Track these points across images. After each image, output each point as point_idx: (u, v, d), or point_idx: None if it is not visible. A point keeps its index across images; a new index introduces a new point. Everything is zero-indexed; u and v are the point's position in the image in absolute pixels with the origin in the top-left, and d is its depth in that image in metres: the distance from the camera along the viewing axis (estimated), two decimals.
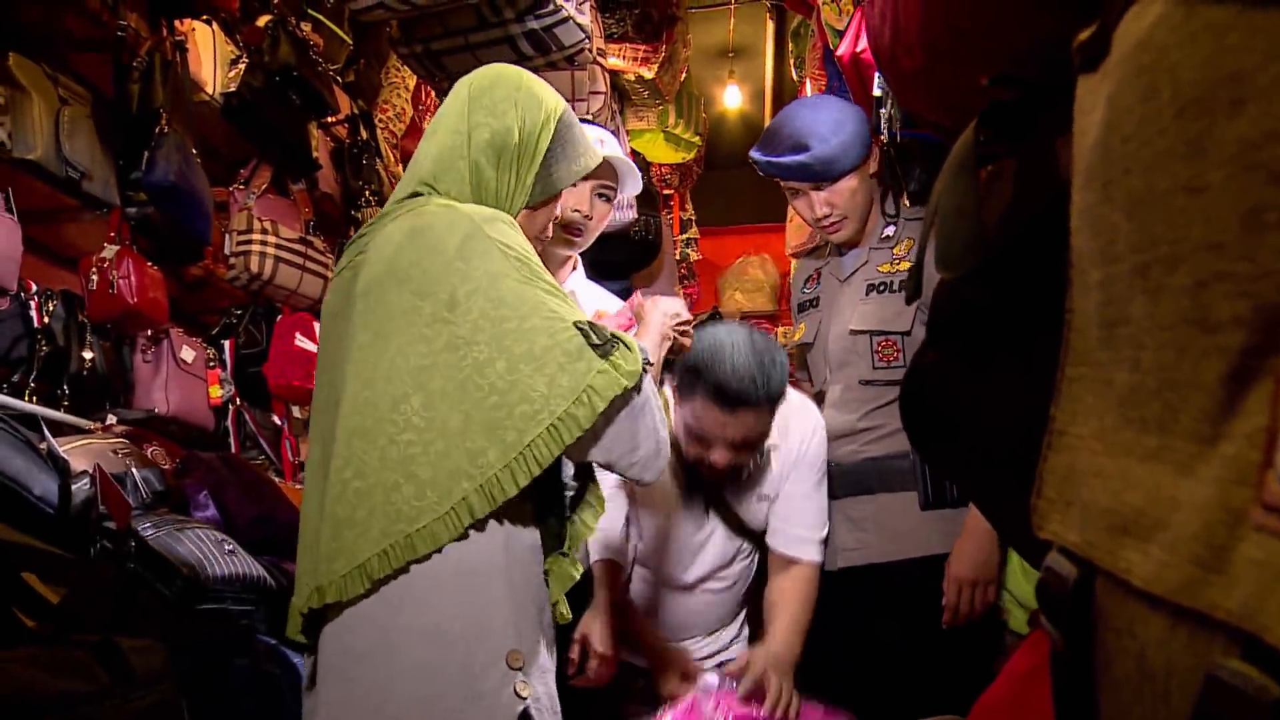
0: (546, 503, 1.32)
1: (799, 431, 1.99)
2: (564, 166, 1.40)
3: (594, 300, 2.02)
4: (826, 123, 1.96)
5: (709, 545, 2.02)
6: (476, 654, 1.19)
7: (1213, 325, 0.37)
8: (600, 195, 1.90)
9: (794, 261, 4.59)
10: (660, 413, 1.27)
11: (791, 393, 2.03)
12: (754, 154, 2.05)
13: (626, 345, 1.23)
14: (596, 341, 1.20)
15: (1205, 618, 0.35)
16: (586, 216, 1.87)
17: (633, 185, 1.97)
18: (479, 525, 1.21)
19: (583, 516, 1.38)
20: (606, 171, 1.85)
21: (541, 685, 1.24)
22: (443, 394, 1.21)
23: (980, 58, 0.87)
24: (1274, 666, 0.31)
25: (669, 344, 1.48)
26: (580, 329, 1.21)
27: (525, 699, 1.19)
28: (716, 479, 1.92)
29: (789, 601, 1.92)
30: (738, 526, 2.00)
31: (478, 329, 1.21)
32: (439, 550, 1.19)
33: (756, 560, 2.07)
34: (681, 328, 1.51)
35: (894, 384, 1.91)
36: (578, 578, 1.32)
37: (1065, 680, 0.48)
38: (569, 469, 1.38)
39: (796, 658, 1.85)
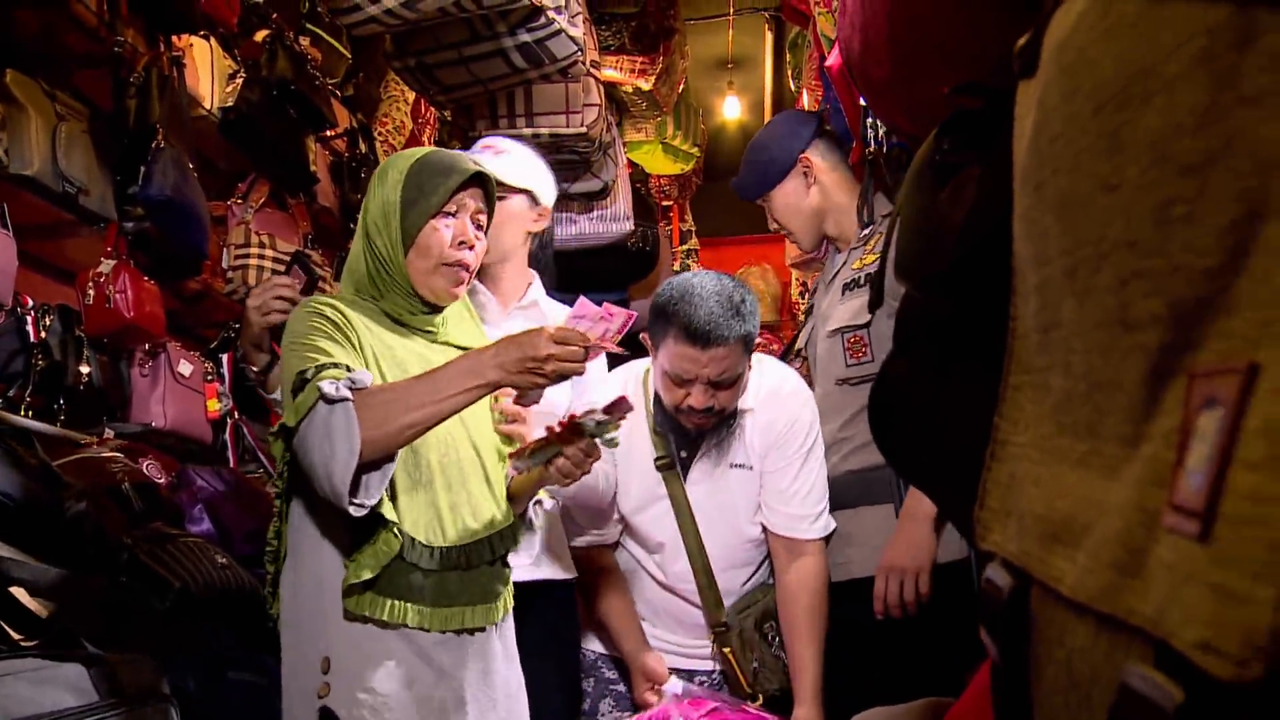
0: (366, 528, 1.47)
1: (785, 406, 2.00)
2: (418, 206, 1.57)
3: (553, 319, 2.05)
4: (755, 144, 2.16)
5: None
6: (303, 660, 1.49)
7: (1132, 324, 0.37)
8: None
9: (794, 272, 4.59)
10: (338, 436, 1.36)
11: (787, 373, 2.08)
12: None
13: (310, 383, 1.40)
14: (297, 385, 1.41)
15: (1124, 624, 0.34)
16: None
17: (547, 196, 2.04)
18: (300, 554, 1.51)
19: (389, 522, 1.47)
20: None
21: (357, 683, 1.46)
22: None
23: (947, 67, 0.87)
24: (1182, 672, 0.30)
25: (516, 378, 1.43)
26: (297, 376, 1.42)
27: (323, 699, 1.45)
28: (699, 427, 1.94)
29: (801, 614, 1.92)
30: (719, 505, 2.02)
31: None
32: (281, 577, 1.53)
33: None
34: (535, 370, 1.41)
35: (866, 382, 1.91)
36: (366, 571, 1.45)
37: (1003, 695, 0.47)
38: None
39: (820, 690, 1.89)
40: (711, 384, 1.85)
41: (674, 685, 1.92)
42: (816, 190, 2.08)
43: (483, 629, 1.56)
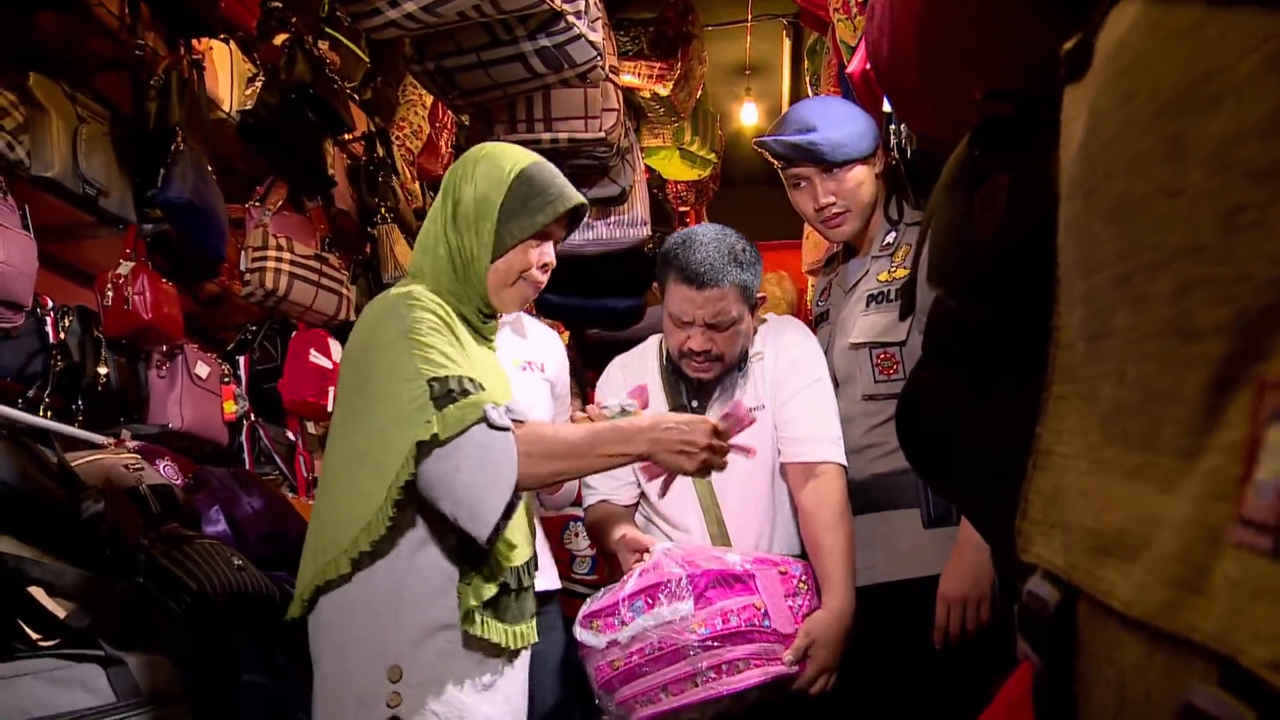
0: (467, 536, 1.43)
1: (789, 339, 2.03)
2: (519, 221, 1.53)
3: (534, 335, 2.13)
4: (837, 112, 2.04)
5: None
6: (362, 667, 1.43)
7: (1194, 333, 0.36)
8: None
9: (810, 279, 4.58)
10: (500, 468, 1.34)
11: (799, 325, 2.12)
12: (763, 137, 2.08)
13: (467, 399, 1.36)
14: (439, 394, 1.36)
15: (1184, 641, 0.34)
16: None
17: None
18: (375, 558, 1.44)
19: (498, 546, 1.48)
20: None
21: (431, 695, 1.43)
22: (341, 446, 1.48)
23: (976, 74, 0.86)
24: (1251, 692, 0.29)
25: (657, 453, 1.44)
26: (433, 383, 1.36)
27: (394, 709, 1.41)
28: (701, 376, 1.96)
29: (821, 530, 1.87)
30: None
31: (371, 397, 1.43)
32: (346, 579, 1.44)
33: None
34: (688, 454, 1.44)
35: (895, 397, 1.87)
36: (486, 595, 1.45)
37: (1047, 710, 0.46)
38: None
39: (851, 613, 1.81)
40: (709, 326, 1.89)
41: (661, 545, 1.90)
42: (878, 183, 2.05)
43: (528, 646, 1.59)
